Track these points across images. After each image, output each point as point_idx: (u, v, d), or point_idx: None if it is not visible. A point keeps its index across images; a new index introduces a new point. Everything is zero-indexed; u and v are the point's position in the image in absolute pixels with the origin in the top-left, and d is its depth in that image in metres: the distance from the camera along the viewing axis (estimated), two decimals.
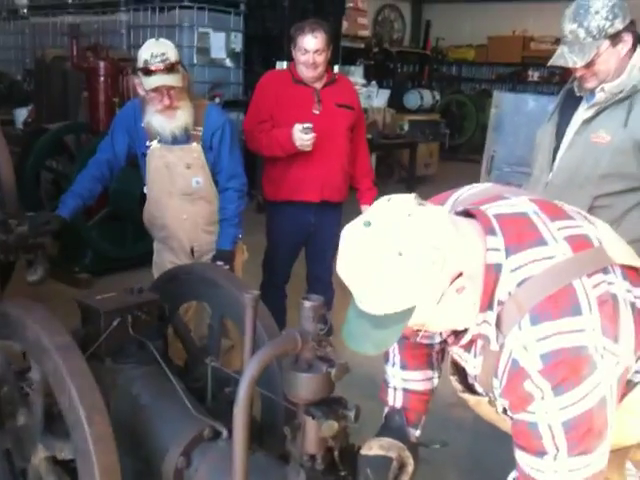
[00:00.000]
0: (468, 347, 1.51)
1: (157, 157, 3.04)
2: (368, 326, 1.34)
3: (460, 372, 1.71)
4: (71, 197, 3.01)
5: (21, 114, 7.27)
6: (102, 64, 5.16)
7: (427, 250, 1.26)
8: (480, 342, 1.46)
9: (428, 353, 1.80)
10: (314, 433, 1.58)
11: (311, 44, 3.35)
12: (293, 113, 3.38)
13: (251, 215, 3.70)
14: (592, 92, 2.41)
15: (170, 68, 2.81)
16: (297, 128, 3.27)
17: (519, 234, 1.40)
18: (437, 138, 9.55)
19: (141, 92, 2.92)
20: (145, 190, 3.17)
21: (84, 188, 3.04)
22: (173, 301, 2.30)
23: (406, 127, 8.64)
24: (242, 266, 3.27)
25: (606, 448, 1.36)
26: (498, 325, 1.38)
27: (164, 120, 2.93)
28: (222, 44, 7.43)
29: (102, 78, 5.16)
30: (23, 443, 1.97)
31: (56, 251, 5.08)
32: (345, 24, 8.93)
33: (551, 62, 2.37)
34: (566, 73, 2.70)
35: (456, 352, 1.59)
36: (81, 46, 5.57)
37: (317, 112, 3.44)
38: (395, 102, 9.43)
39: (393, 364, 1.82)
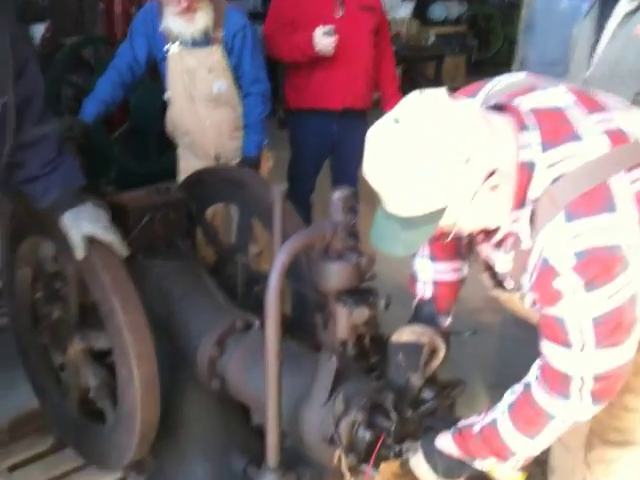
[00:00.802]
0: (498, 245, 1.50)
1: (177, 61, 2.97)
2: (397, 227, 1.32)
3: (491, 269, 1.70)
4: (92, 102, 2.98)
5: (38, 30, 7.13)
6: None
7: (459, 147, 1.23)
8: (511, 240, 1.44)
9: (457, 245, 1.79)
10: (345, 320, 1.60)
11: None
12: (314, 17, 3.27)
13: (273, 131, 3.67)
14: None
15: None
16: (318, 32, 3.18)
17: (555, 129, 1.36)
18: (463, 51, 9.24)
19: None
20: (166, 96, 3.11)
21: (105, 93, 3.00)
22: (200, 203, 2.31)
23: (432, 39, 8.36)
24: (268, 173, 3.25)
25: (634, 340, 1.36)
26: (531, 222, 1.36)
27: (183, 23, 2.86)
28: None
29: None
30: (60, 337, 2.03)
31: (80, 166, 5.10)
32: None
33: None
34: None
35: (485, 250, 1.58)
36: None
37: (339, 15, 3.33)
38: (420, 14, 9.10)
39: (422, 256, 1.81)
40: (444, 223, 1.32)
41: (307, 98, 3.44)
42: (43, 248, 2.10)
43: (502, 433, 1.46)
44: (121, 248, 1.84)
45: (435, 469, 1.55)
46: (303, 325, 2.04)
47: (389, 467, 1.79)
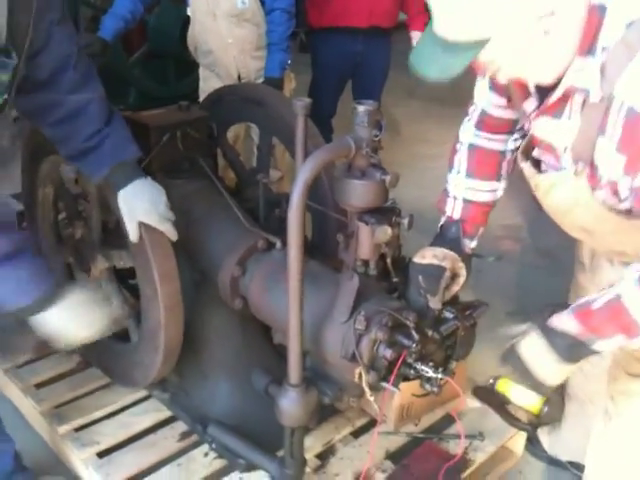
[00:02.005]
0: (559, 110, 1.39)
1: None
2: (439, 51, 1.25)
3: (531, 158, 1.60)
4: (111, 18, 2.91)
5: None
6: None
7: None
8: (577, 98, 1.34)
9: (498, 162, 1.73)
10: (367, 239, 1.58)
11: None
12: None
13: (295, 55, 3.59)
14: None
15: None
16: None
17: None
18: None
19: None
20: (189, 12, 3.02)
21: (124, 8, 2.93)
22: (221, 122, 2.26)
23: None
24: (291, 94, 3.18)
25: None
26: (602, 73, 1.27)
27: None
28: None
29: None
30: (83, 257, 2.04)
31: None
32: None
33: None
34: None
35: (540, 126, 1.47)
36: None
37: None
38: None
39: (458, 172, 1.76)
40: (486, 56, 1.25)
41: (330, 16, 3.33)
42: (64, 169, 2.08)
43: (628, 306, 1.33)
44: (173, 234, 1.75)
45: (557, 350, 1.43)
46: (324, 246, 2.02)
47: (409, 387, 1.81)
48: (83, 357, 2.32)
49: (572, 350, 1.42)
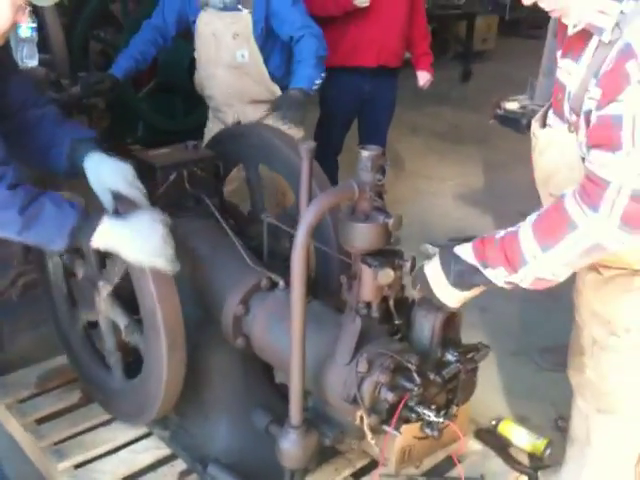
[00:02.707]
0: (579, 53, 1.47)
1: (205, 24, 2.93)
2: None
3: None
4: (124, 58, 2.96)
5: None
6: None
7: None
8: (594, 41, 1.42)
9: None
10: (370, 281, 1.60)
11: None
12: None
13: None
14: None
15: None
16: None
17: None
18: (496, 11, 8.98)
19: None
20: (195, 55, 3.09)
21: (137, 50, 2.98)
22: (227, 160, 2.29)
23: None
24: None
25: None
26: (620, 17, 1.34)
27: None
28: None
29: None
30: (87, 293, 2.05)
31: (108, 123, 5.11)
32: None
33: None
34: None
35: (563, 68, 1.56)
36: None
37: None
38: None
39: None
40: None
41: (340, 55, 3.39)
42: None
43: (521, 238, 1.42)
44: (146, 203, 1.78)
45: (448, 273, 1.54)
46: (327, 286, 2.03)
47: (410, 429, 1.80)
48: (84, 393, 2.32)
49: (462, 276, 1.52)
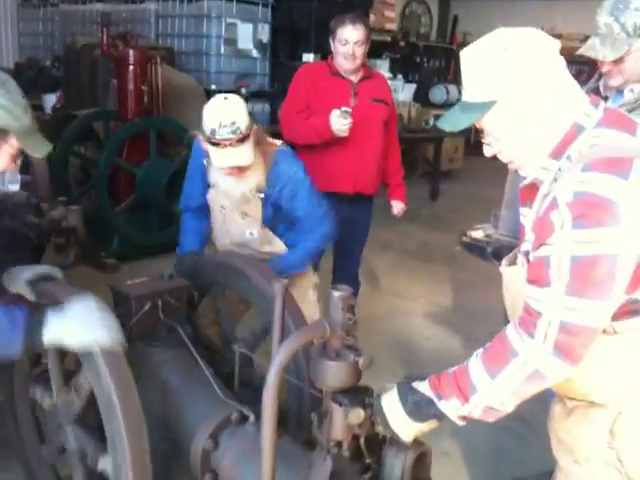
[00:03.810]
0: (530, 201, 1.64)
1: (214, 200, 2.83)
2: (457, 109, 1.59)
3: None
4: (190, 243, 2.95)
5: (50, 100, 7.36)
6: (132, 52, 5.21)
7: (534, 57, 1.47)
8: (540, 191, 1.57)
9: None
10: (341, 420, 1.61)
11: (352, 35, 3.38)
12: (329, 105, 3.36)
13: None
14: (620, 92, 2.40)
15: (241, 140, 2.51)
16: (335, 113, 3.26)
17: (616, 120, 1.54)
18: (463, 133, 9.49)
19: (205, 149, 2.62)
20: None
21: (195, 242, 2.95)
22: (201, 288, 2.34)
23: (431, 121, 8.59)
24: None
25: (602, 310, 1.43)
26: (556, 173, 1.52)
27: (232, 181, 2.70)
28: (249, 35, 7.44)
29: (132, 66, 5.21)
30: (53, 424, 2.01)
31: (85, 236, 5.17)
32: (372, 17, 8.91)
33: (581, 51, 2.36)
34: (593, 70, 2.68)
35: (523, 214, 1.73)
36: (110, 34, 5.63)
37: (353, 105, 3.44)
38: (421, 96, 9.39)
39: None
40: (488, 123, 1.54)
41: (319, 182, 3.48)
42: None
43: (470, 369, 1.53)
44: (120, 341, 1.75)
45: (404, 403, 1.59)
46: (298, 419, 2.04)
47: None
48: None
49: (418, 406, 1.58)
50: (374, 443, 1.71)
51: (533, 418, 2.90)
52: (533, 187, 1.64)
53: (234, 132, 2.49)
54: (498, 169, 4.80)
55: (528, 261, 1.60)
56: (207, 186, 2.83)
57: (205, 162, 2.75)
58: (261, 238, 2.81)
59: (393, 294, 5.04)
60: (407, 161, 8.53)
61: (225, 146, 2.50)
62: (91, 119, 5.51)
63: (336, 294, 1.62)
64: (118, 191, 5.29)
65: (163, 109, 5.42)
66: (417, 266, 5.74)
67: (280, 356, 1.51)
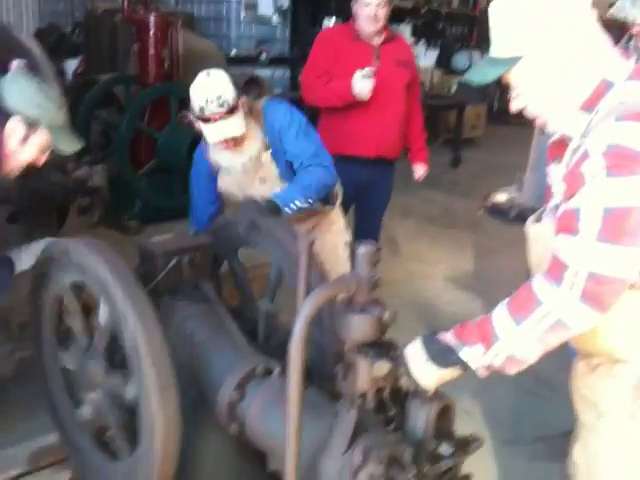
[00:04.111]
0: (559, 156, 1.62)
1: (229, 181, 2.84)
2: (484, 63, 1.60)
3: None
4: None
5: (71, 65, 7.38)
6: (153, 17, 5.21)
7: (561, 9, 1.46)
8: (569, 148, 1.56)
9: None
10: (366, 372, 1.63)
11: None
12: (351, 69, 3.35)
13: None
14: None
15: (230, 112, 2.54)
16: (357, 75, 3.26)
17: None
18: (485, 100, 9.37)
19: (198, 128, 2.66)
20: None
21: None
22: (226, 246, 2.36)
23: (454, 88, 8.49)
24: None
25: (631, 260, 1.42)
26: (587, 127, 1.51)
27: (231, 155, 2.71)
28: (270, 1, 7.38)
29: (152, 31, 5.21)
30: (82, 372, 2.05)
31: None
32: None
33: (611, 12, 2.33)
34: (623, 32, 2.63)
35: (550, 172, 1.71)
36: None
37: (375, 68, 3.42)
38: (443, 63, 9.26)
39: None
40: (515, 77, 1.54)
41: (340, 145, 3.48)
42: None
43: (494, 317, 1.55)
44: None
45: (427, 349, 1.62)
46: (321, 372, 2.06)
47: None
48: (75, 473, 2.30)
49: (441, 353, 1.61)
50: (398, 395, 1.74)
51: (555, 380, 2.92)
52: (562, 143, 1.63)
53: (221, 105, 2.52)
54: (520, 136, 4.77)
55: (557, 215, 1.59)
56: (214, 181, 2.84)
57: (207, 159, 2.76)
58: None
59: (414, 259, 5.04)
60: (429, 128, 8.42)
61: (215, 120, 2.53)
62: (112, 84, 5.53)
63: (362, 249, 1.63)
64: (139, 156, 5.32)
65: (183, 75, 5.40)
66: (438, 232, 5.73)
67: (307, 308, 1.52)
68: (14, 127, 1.87)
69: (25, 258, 2.00)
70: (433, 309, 4.11)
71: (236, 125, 2.58)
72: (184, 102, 5.29)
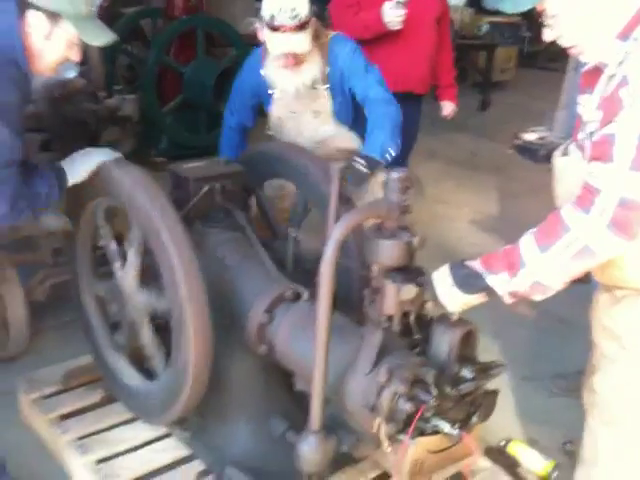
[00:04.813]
0: (592, 87, 1.60)
1: (281, 105, 2.78)
2: None
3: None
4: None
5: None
6: None
7: None
8: (604, 75, 1.56)
9: None
10: (393, 296, 1.67)
11: None
12: (380, 1, 3.31)
13: None
14: None
15: (300, 26, 2.49)
16: (388, 4, 3.21)
17: None
18: (516, 42, 9.12)
19: (262, 38, 2.61)
20: (269, 132, 2.93)
21: (230, 153, 2.91)
22: (257, 176, 2.39)
23: (485, 28, 8.25)
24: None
25: None
26: (624, 55, 1.49)
27: (288, 75, 2.64)
28: None
29: None
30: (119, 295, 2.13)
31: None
32: None
33: None
34: None
35: (581, 102, 1.69)
36: None
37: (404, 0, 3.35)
38: (474, 2, 8.99)
39: None
40: (550, 3, 1.54)
41: None
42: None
43: (521, 244, 1.58)
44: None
45: (454, 274, 1.67)
46: (347, 299, 2.11)
47: (424, 443, 1.86)
48: (107, 392, 2.40)
49: (467, 279, 1.65)
50: (423, 321, 1.78)
51: (574, 319, 2.95)
52: (596, 72, 1.60)
53: (293, 18, 2.47)
54: (551, 80, 4.66)
55: (592, 142, 1.58)
56: (264, 102, 2.80)
57: (263, 72, 2.70)
58: (335, 133, 2.78)
59: (438, 201, 5.04)
60: (457, 70, 8.32)
61: (284, 31, 2.49)
62: (138, 17, 5.49)
63: (394, 175, 1.65)
64: (166, 91, 5.30)
65: (209, 7, 5.34)
66: (463, 175, 5.69)
67: (338, 231, 1.55)
68: (34, 23, 1.70)
69: (80, 168, 2.00)
70: (457, 250, 4.13)
71: (303, 41, 2.53)
72: (210, 35, 5.32)
